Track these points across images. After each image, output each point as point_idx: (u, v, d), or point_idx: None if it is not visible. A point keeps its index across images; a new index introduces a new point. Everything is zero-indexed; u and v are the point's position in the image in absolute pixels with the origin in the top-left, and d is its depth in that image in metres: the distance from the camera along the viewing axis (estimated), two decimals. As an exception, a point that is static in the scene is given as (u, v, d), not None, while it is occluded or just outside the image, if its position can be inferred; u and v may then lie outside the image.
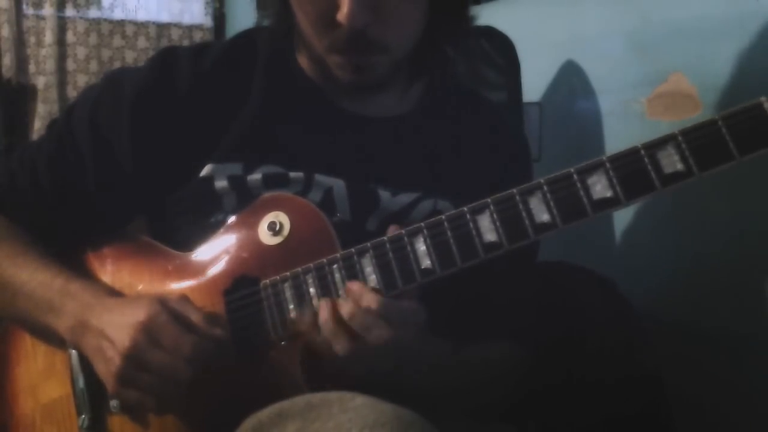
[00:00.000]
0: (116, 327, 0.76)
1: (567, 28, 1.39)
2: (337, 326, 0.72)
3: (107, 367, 0.76)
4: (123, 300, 0.82)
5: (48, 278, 0.84)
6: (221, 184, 0.86)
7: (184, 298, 0.79)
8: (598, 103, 1.32)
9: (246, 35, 0.95)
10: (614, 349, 0.98)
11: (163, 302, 0.76)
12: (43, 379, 0.89)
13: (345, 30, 0.78)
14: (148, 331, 0.74)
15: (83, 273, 0.88)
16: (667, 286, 1.18)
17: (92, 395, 0.83)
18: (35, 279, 0.84)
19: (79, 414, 0.84)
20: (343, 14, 0.76)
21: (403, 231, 0.74)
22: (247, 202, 0.84)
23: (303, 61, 0.92)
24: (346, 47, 0.81)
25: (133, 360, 0.74)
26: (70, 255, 0.90)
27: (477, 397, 0.86)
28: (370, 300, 0.72)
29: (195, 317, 0.76)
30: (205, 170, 0.86)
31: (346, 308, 0.73)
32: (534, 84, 1.39)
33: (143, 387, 0.75)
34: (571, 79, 1.38)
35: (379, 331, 0.71)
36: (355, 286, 0.73)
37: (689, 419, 1.04)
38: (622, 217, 1.26)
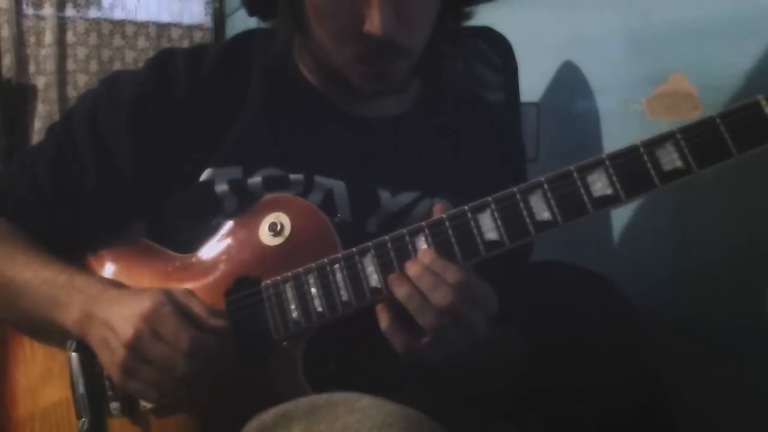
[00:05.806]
0: (120, 318, 0.76)
1: (566, 29, 1.39)
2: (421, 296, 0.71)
3: (112, 358, 0.76)
4: (128, 292, 0.81)
5: (52, 275, 0.84)
6: (222, 188, 0.85)
7: (189, 291, 0.79)
8: (597, 103, 1.32)
9: (243, 37, 0.95)
10: (614, 348, 0.98)
11: (167, 294, 0.76)
12: (42, 383, 0.89)
13: (375, 40, 0.78)
14: (150, 322, 0.74)
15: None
16: (667, 286, 1.18)
17: (92, 398, 0.83)
18: (39, 276, 0.84)
19: (78, 417, 0.83)
20: (375, 26, 0.76)
21: (404, 230, 0.74)
22: (247, 205, 0.83)
23: (301, 63, 0.92)
24: (374, 57, 0.81)
25: (135, 351, 0.74)
26: (70, 258, 0.89)
27: (485, 385, 0.87)
28: (449, 270, 0.71)
29: (198, 310, 0.76)
30: (205, 174, 0.86)
31: (414, 268, 0.72)
32: (533, 84, 1.39)
33: (145, 379, 0.75)
34: (570, 80, 1.38)
35: (442, 293, 0.70)
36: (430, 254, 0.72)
37: (689, 419, 1.04)
38: (622, 217, 1.26)
